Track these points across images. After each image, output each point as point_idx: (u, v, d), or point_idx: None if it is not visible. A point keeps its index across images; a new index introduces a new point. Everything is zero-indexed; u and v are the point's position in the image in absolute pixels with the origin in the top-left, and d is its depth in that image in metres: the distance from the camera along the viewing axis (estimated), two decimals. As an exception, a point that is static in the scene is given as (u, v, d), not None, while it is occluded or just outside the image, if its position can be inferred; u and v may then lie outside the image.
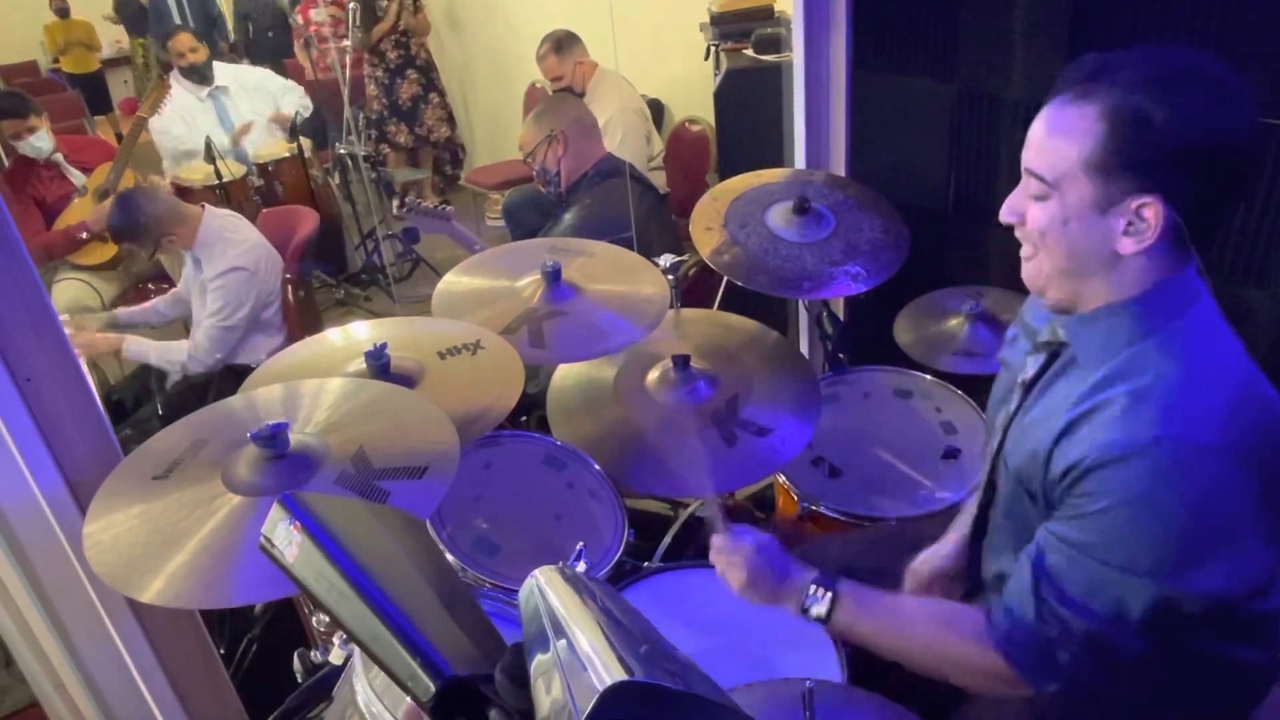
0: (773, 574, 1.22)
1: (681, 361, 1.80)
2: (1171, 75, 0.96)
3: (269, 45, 5.78)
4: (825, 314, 2.17)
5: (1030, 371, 1.17)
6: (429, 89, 5.26)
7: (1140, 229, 0.99)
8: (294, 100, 4.42)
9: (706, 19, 3.70)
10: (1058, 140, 1.01)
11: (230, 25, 6.09)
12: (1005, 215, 1.10)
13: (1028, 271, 1.11)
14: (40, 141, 3.43)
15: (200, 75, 4.27)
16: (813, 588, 1.18)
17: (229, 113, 4.34)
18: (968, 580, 1.35)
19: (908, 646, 1.15)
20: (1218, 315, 1.06)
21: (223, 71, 4.39)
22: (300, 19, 5.37)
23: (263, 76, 4.54)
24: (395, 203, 3.05)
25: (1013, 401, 1.20)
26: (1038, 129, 1.04)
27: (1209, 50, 1.01)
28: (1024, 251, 1.11)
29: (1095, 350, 1.07)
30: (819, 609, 1.17)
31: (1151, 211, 0.98)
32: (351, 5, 4.63)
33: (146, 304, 2.93)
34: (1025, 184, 1.07)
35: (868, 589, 1.18)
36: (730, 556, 1.26)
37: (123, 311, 2.87)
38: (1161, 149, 0.96)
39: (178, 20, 5.77)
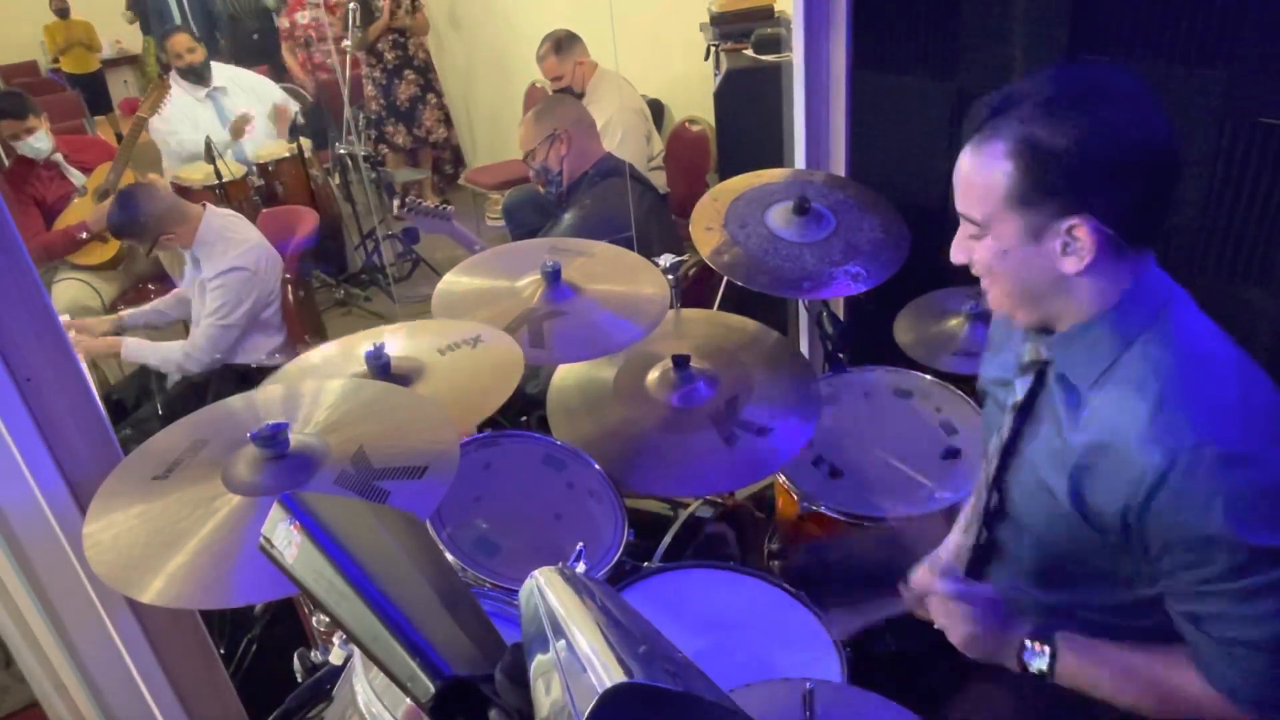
0: (994, 629, 1.17)
1: (681, 361, 1.80)
2: (1062, 100, 0.98)
3: (254, 47, 5.75)
4: (825, 314, 2.17)
5: (1020, 394, 1.17)
6: (427, 89, 5.25)
7: (1076, 249, 1.01)
8: (284, 98, 4.43)
9: (706, 19, 3.70)
10: (976, 182, 1.04)
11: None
12: (955, 257, 1.12)
13: (990, 301, 1.14)
14: (39, 142, 3.43)
15: (198, 75, 4.27)
16: (1030, 642, 1.14)
17: (228, 113, 4.35)
18: None
19: (1132, 695, 1.11)
20: (1193, 307, 1.07)
21: (220, 72, 4.39)
22: (287, 21, 5.37)
23: (259, 79, 4.55)
24: (396, 203, 3.05)
25: (1005, 427, 1.19)
26: (958, 174, 1.07)
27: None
28: (983, 284, 1.14)
29: (1081, 365, 1.08)
30: (1040, 663, 1.13)
31: (1082, 231, 1.00)
32: (351, 5, 4.62)
33: (150, 304, 2.93)
34: (963, 226, 1.09)
35: (1082, 639, 1.13)
36: (956, 608, 1.20)
37: (128, 313, 2.87)
38: (1070, 172, 0.98)
39: (179, 19, 5.76)
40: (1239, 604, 0.98)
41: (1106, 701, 1.11)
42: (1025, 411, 1.16)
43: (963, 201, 1.07)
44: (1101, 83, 0.99)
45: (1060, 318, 1.09)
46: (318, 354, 1.68)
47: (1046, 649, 1.12)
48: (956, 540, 1.36)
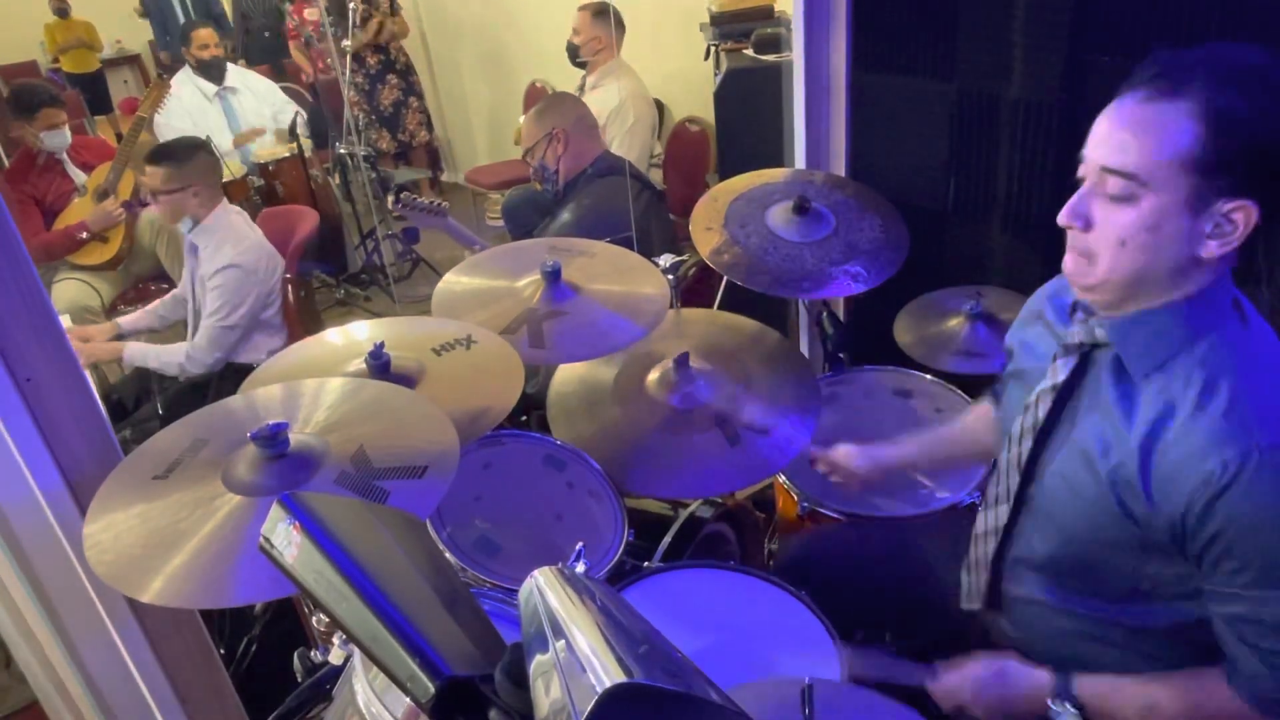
0: (1007, 697, 1.16)
1: (682, 361, 1.80)
2: (1260, 74, 0.93)
3: (266, 45, 5.78)
4: (825, 314, 2.17)
5: (1061, 376, 1.11)
6: (409, 93, 5.25)
7: (1227, 232, 0.96)
8: (288, 116, 4.45)
9: (706, 19, 3.70)
10: (1145, 137, 0.95)
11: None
12: (1067, 218, 1.03)
13: (1080, 276, 1.05)
14: (67, 134, 3.47)
15: (214, 72, 4.30)
16: (1054, 702, 1.11)
17: (236, 114, 4.36)
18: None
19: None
20: (1254, 309, 1.05)
21: (233, 73, 4.42)
22: (295, 18, 5.37)
23: (270, 86, 4.57)
24: (390, 198, 3.06)
25: (1041, 408, 1.14)
26: (1113, 125, 0.99)
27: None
28: (1073, 263, 1.05)
29: (1140, 353, 1.03)
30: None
31: (1243, 215, 0.95)
32: (352, 5, 4.62)
33: (148, 307, 2.93)
34: (1098, 184, 1.00)
35: (1102, 679, 1.11)
36: (957, 698, 1.19)
37: (125, 320, 2.87)
38: (1258, 149, 0.93)
39: (182, 17, 5.79)
40: None
41: None
42: (1065, 395, 1.12)
43: (1117, 155, 0.97)
44: None
45: (1141, 300, 1.04)
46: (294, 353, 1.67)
47: (1069, 706, 1.09)
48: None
